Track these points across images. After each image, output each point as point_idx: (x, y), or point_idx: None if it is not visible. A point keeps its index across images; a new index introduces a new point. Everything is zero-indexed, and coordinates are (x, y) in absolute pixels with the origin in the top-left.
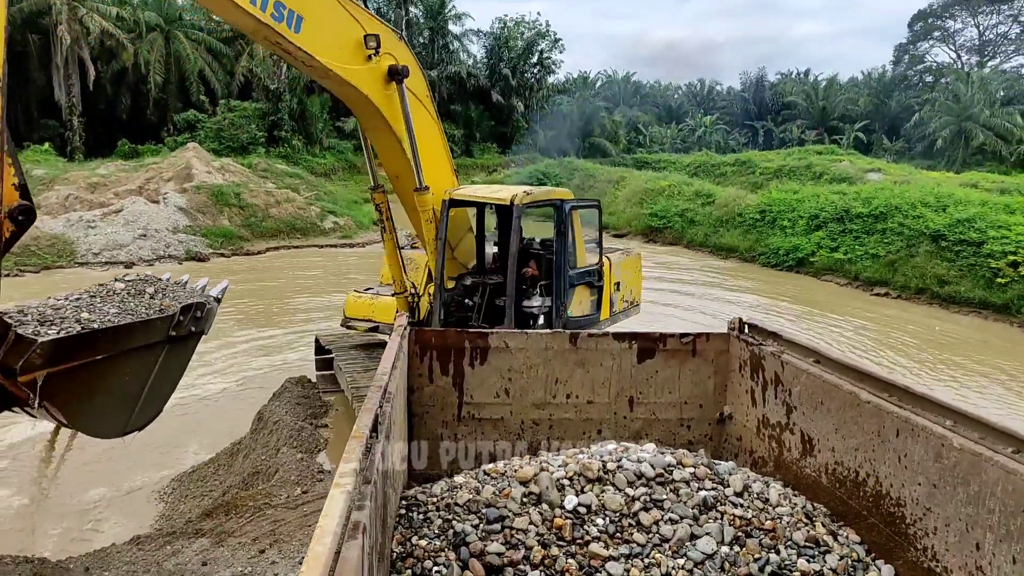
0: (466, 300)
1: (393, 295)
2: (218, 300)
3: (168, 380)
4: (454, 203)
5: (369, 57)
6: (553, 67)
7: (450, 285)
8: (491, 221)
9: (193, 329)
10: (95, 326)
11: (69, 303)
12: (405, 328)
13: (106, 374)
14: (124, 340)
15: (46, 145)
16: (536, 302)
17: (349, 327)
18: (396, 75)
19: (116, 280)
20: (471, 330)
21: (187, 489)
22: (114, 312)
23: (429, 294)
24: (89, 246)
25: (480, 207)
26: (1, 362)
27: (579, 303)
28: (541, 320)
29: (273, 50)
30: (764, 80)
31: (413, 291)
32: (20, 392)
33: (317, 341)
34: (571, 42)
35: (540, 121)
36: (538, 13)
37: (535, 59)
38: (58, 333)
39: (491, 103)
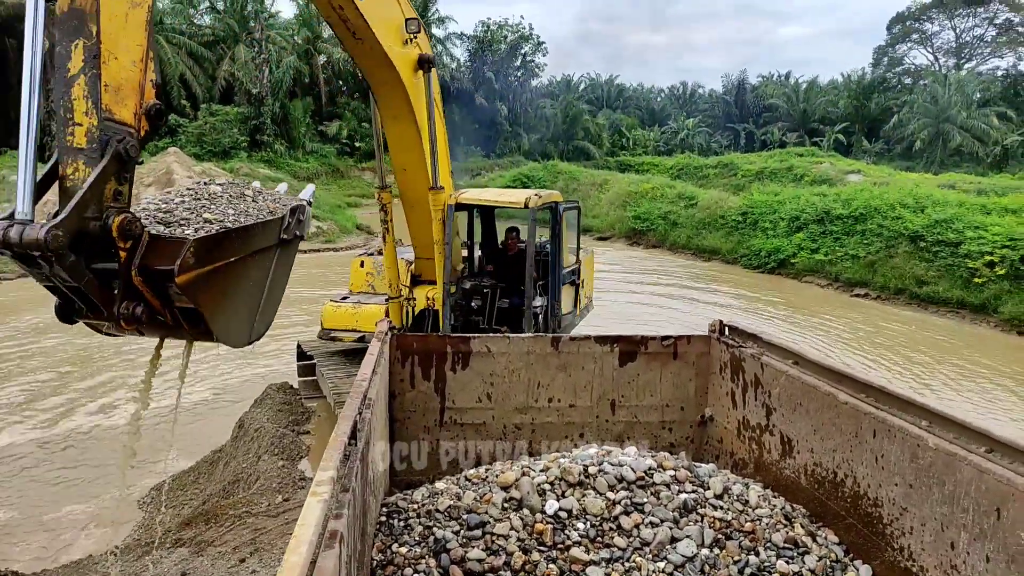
0: (471, 303)
1: (387, 300)
2: (310, 204)
3: (279, 286)
4: (460, 207)
5: (406, 42)
6: (536, 70)
7: (451, 289)
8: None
9: (297, 233)
10: (229, 225)
11: (177, 205)
12: (386, 333)
13: (237, 277)
14: (251, 241)
15: None
16: (538, 302)
17: (332, 339)
18: (427, 63)
19: (207, 184)
20: (454, 335)
21: (166, 498)
22: (231, 213)
23: (428, 298)
24: None
25: (471, 210)
26: (139, 264)
27: (564, 301)
28: (541, 320)
29: (328, 18)
30: (746, 83)
31: (410, 296)
32: (154, 300)
33: (299, 347)
34: (554, 45)
35: (523, 124)
36: (521, 16)
37: (518, 62)
38: (196, 232)
39: (475, 106)
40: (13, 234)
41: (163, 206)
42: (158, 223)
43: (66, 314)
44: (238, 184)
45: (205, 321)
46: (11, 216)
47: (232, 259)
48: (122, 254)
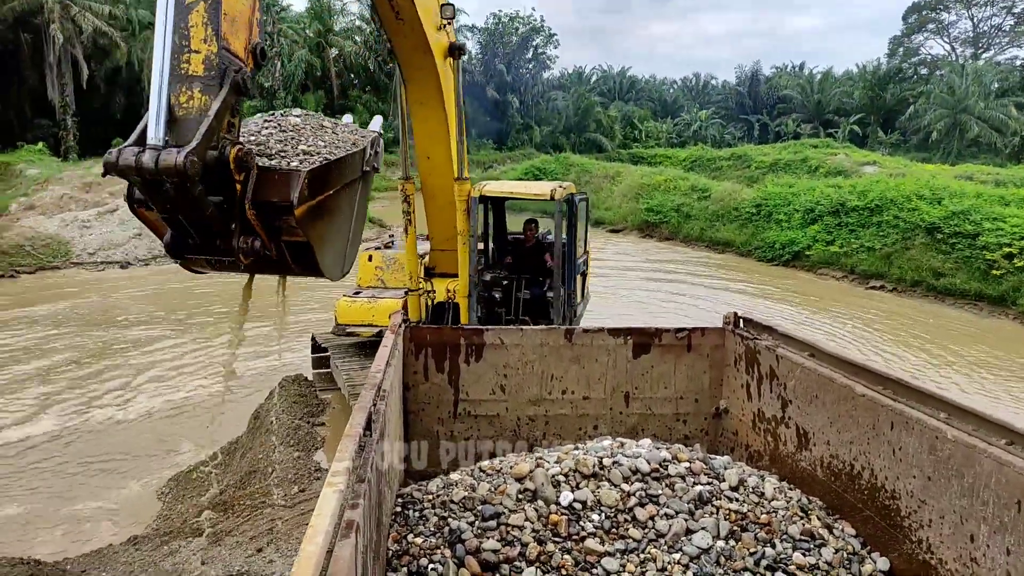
0: (493, 295)
1: (407, 293)
2: (380, 136)
3: (360, 220)
4: (484, 199)
5: (439, 28)
6: (548, 62)
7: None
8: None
9: (375, 166)
10: (328, 157)
11: (268, 137)
12: (400, 326)
13: (335, 210)
14: (345, 173)
15: (40, 145)
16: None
17: (348, 334)
18: (457, 50)
19: (285, 116)
20: (468, 327)
21: (184, 489)
22: (322, 145)
23: (448, 291)
24: (84, 246)
25: (485, 203)
26: (252, 198)
27: (577, 291)
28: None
29: None
30: (759, 74)
31: (430, 289)
32: (263, 233)
33: (313, 339)
34: (566, 37)
35: (535, 116)
36: (533, 8)
37: (530, 54)
38: (300, 164)
39: (486, 99)
40: (147, 159)
41: (252, 138)
42: (258, 155)
43: (178, 249)
44: (313, 115)
45: (312, 254)
46: (140, 142)
47: (331, 191)
48: (237, 187)
